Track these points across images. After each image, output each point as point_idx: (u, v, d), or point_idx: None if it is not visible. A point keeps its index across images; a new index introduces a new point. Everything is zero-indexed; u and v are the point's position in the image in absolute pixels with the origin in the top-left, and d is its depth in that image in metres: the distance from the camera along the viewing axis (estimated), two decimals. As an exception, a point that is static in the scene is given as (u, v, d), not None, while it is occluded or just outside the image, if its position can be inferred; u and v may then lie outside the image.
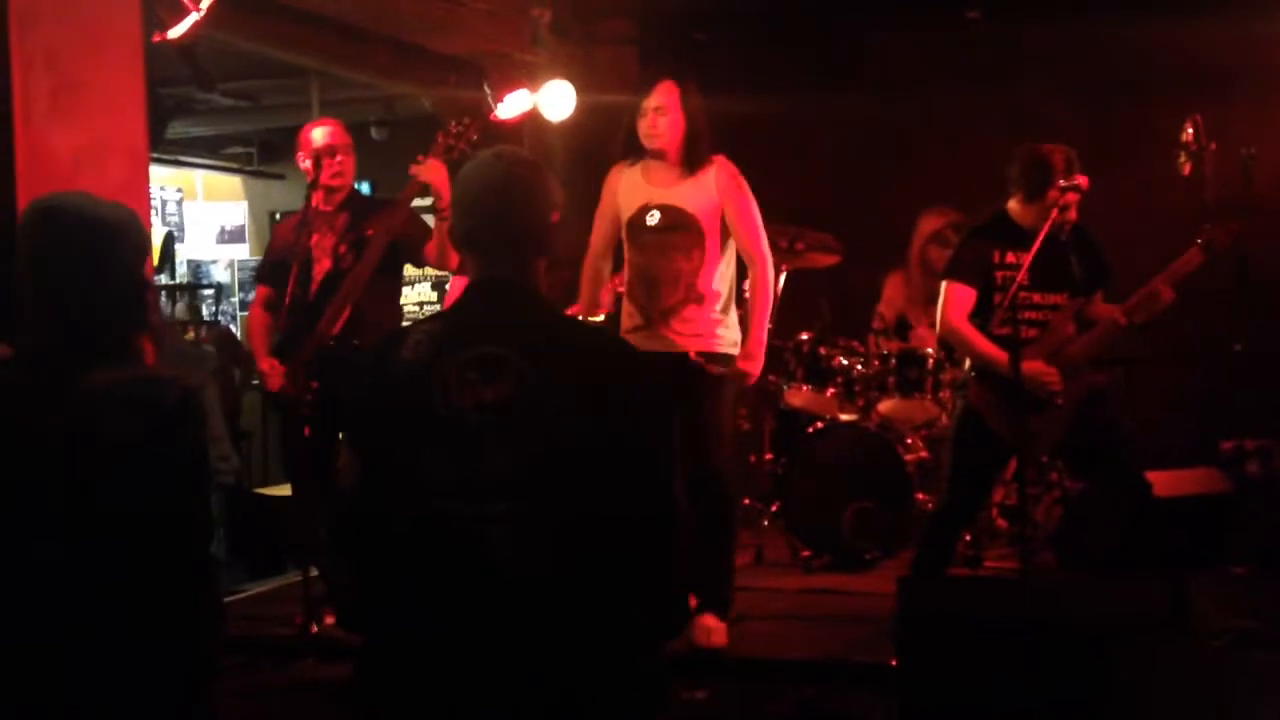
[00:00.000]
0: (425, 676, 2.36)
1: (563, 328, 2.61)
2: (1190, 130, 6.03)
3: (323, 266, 5.36)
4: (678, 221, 4.91)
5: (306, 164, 5.48)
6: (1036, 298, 4.84)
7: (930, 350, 6.48)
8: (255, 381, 7.32)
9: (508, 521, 2.34)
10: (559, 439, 2.38)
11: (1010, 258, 4.79)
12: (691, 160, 4.92)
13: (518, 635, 2.34)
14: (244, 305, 10.84)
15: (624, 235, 5.07)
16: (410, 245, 5.40)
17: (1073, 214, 4.82)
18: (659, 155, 4.95)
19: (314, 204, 5.47)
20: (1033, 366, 4.65)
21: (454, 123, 5.38)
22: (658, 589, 2.48)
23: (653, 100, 4.89)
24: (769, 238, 6.74)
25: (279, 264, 5.51)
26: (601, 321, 5.29)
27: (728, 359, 4.94)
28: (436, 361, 2.43)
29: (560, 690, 2.34)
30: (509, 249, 2.55)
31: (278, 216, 5.73)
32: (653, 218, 4.94)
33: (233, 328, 10.71)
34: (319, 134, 5.50)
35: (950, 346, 6.10)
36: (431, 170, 5.20)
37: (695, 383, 4.84)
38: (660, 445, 2.49)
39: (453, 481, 2.37)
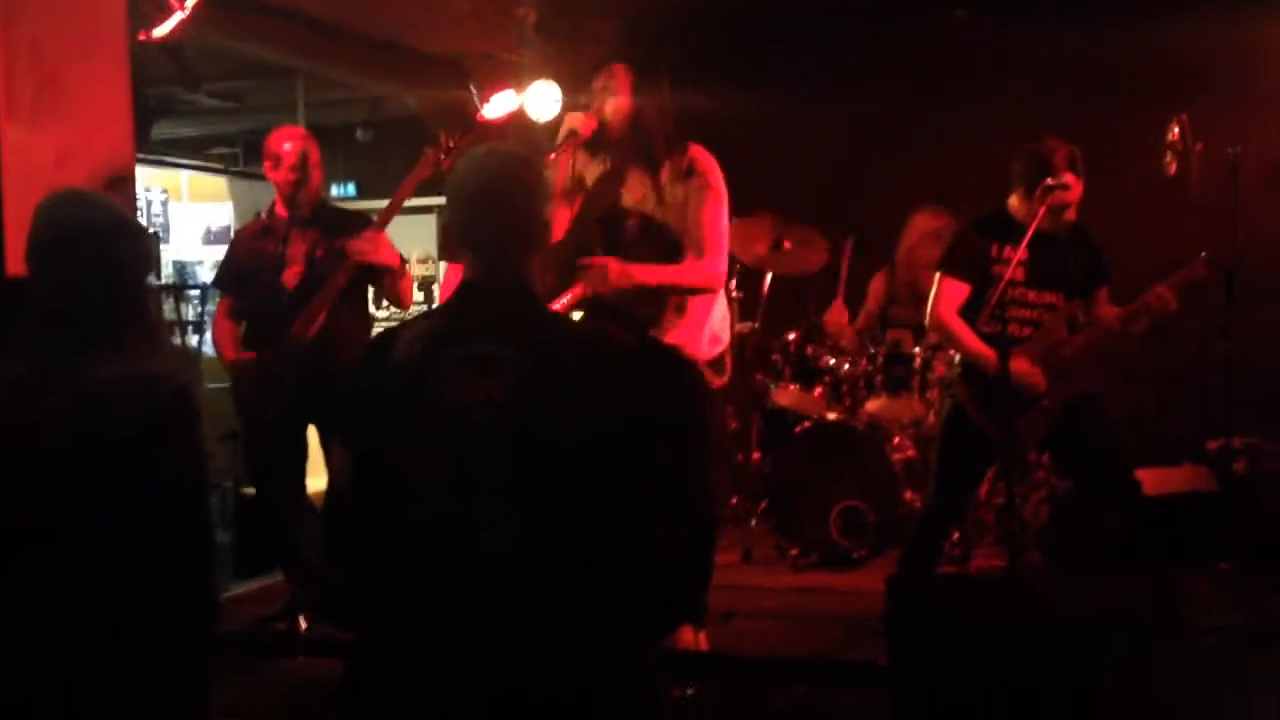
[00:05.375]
0: (418, 675, 2.34)
1: (557, 326, 2.60)
2: (1176, 130, 6.05)
3: (295, 271, 5.34)
4: (644, 231, 4.57)
5: (274, 172, 5.44)
6: (1031, 296, 4.82)
7: (916, 349, 6.49)
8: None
9: (501, 520, 2.32)
10: (553, 437, 2.35)
11: (1007, 253, 4.74)
12: (648, 157, 4.54)
13: (511, 634, 2.32)
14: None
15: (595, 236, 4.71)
16: (378, 271, 5.35)
17: (1070, 214, 4.81)
18: (610, 144, 4.60)
19: (279, 212, 5.46)
20: (1017, 366, 4.64)
21: (444, 137, 5.34)
22: (653, 586, 2.46)
23: (600, 81, 4.56)
24: (757, 235, 6.78)
25: (243, 273, 5.50)
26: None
27: (718, 363, 4.74)
28: (430, 360, 2.40)
29: (554, 689, 2.33)
30: (504, 246, 2.53)
31: (263, 217, 5.70)
32: (625, 228, 4.60)
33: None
34: (277, 141, 5.46)
35: (936, 343, 6.12)
36: (371, 247, 5.17)
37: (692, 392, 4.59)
38: (657, 443, 2.47)
39: (446, 480, 2.34)
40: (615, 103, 4.56)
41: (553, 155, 4.56)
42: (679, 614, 4.34)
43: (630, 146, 4.57)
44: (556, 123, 6.98)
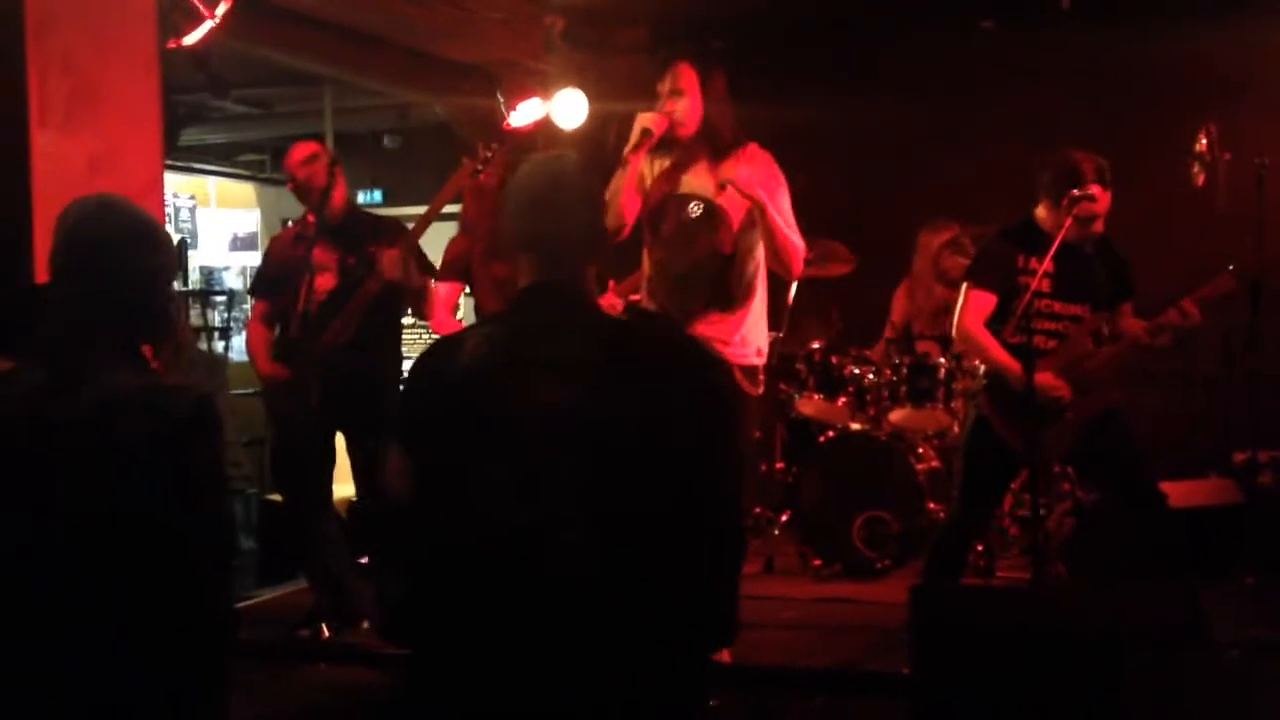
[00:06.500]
0: (482, 685, 2.32)
1: (621, 330, 2.59)
2: (1204, 140, 6.03)
3: (326, 279, 5.38)
4: (705, 215, 4.65)
5: (293, 189, 5.50)
6: (1057, 307, 4.80)
7: (941, 360, 6.47)
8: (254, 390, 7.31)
9: (570, 526, 2.30)
10: (618, 443, 2.34)
11: (1034, 264, 4.72)
12: (715, 150, 4.64)
13: (575, 641, 2.30)
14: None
15: (644, 230, 4.81)
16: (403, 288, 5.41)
17: (1098, 225, 4.79)
18: (676, 143, 4.68)
19: (310, 219, 5.49)
20: (1041, 378, 4.62)
21: (481, 146, 5.38)
22: (714, 597, 2.45)
23: (667, 83, 4.65)
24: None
25: (277, 278, 5.54)
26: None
27: (754, 372, 4.72)
28: (495, 365, 2.39)
29: (613, 697, 2.31)
30: (566, 252, 2.52)
31: (289, 224, 5.75)
32: (685, 210, 4.68)
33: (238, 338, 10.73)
34: (289, 161, 5.53)
35: (960, 353, 6.11)
36: (395, 267, 5.23)
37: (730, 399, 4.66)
38: (724, 450, 2.47)
39: (515, 487, 2.32)
40: (686, 103, 4.63)
41: (628, 153, 4.61)
42: (734, 625, 4.34)
43: (698, 141, 4.65)
44: (585, 128, 7.06)
